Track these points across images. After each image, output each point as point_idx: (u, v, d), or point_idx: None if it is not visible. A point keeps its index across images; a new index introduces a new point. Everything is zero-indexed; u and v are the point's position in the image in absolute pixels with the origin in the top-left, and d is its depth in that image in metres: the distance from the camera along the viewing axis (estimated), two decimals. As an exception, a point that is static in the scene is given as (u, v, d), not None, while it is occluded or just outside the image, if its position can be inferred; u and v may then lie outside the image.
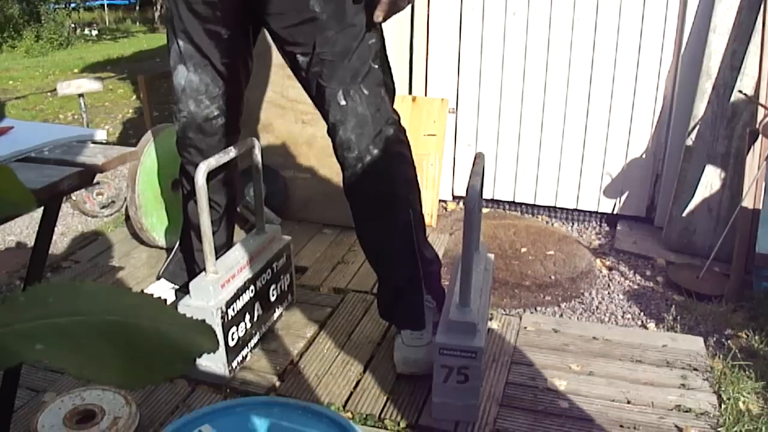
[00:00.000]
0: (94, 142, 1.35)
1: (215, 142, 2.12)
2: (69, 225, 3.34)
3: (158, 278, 2.48)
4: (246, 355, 2.05)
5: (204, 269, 1.94)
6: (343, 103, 1.81)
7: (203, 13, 1.89)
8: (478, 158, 1.85)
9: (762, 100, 2.72)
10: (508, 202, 3.57)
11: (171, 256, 2.50)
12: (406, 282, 2.01)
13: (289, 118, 3.11)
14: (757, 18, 2.75)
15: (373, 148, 1.84)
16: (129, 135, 5.32)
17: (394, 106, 1.94)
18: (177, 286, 2.41)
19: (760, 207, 2.64)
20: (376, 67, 1.85)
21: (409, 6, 1.81)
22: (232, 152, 1.95)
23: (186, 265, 2.39)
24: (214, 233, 2.04)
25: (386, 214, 1.95)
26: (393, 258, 2.01)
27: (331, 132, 1.89)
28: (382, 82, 1.88)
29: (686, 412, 1.85)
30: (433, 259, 2.10)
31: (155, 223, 2.87)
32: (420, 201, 2.02)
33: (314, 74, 1.83)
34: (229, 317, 1.91)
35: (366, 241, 2.05)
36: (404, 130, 1.96)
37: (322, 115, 1.92)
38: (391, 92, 1.94)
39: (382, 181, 1.90)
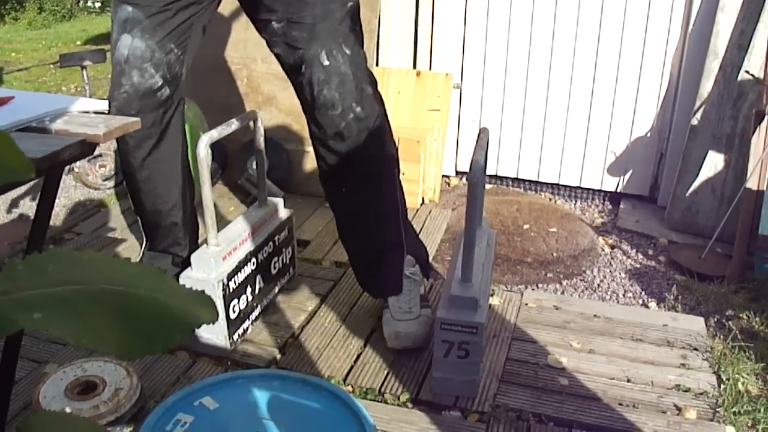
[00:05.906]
0: (96, 113, 1.34)
1: (158, 116, 1.98)
2: (71, 197, 3.34)
3: None
4: (247, 328, 2.06)
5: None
6: (326, 63, 1.80)
7: None
8: (482, 133, 1.84)
9: (770, 79, 2.70)
10: (511, 178, 3.56)
11: (141, 253, 2.33)
12: (391, 246, 2.00)
13: (293, 90, 3.09)
14: (767, -4, 2.72)
15: (356, 105, 1.83)
16: (131, 107, 5.29)
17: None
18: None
19: (764, 188, 2.63)
20: (357, 27, 1.85)
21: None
22: (234, 124, 1.94)
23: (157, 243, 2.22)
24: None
25: (375, 176, 1.93)
26: (379, 222, 1.98)
27: (311, 93, 1.85)
28: (361, 43, 1.88)
29: (686, 391, 1.85)
30: (407, 216, 2.11)
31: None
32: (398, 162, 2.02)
33: (292, 39, 1.81)
34: (231, 290, 1.91)
35: (348, 208, 2.00)
36: (380, 93, 1.95)
37: (294, 79, 1.89)
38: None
39: (371, 139, 1.88)
